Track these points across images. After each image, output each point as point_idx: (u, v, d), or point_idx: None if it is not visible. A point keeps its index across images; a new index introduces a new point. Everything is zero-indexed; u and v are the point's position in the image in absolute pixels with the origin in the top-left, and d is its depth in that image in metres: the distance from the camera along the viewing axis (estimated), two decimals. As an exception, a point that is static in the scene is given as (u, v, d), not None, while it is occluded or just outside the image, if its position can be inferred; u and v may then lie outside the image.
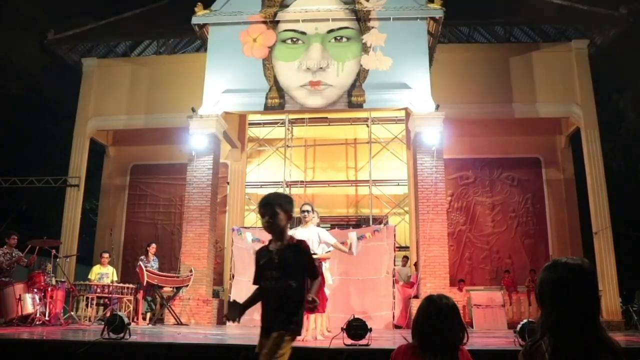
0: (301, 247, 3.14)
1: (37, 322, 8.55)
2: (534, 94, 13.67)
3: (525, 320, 5.98)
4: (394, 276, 11.22)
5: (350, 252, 7.27)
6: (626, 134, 16.11)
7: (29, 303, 8.71)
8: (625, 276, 12.97)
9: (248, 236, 9.67)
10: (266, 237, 9.61)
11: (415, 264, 12.19)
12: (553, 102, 13.66)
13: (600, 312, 1.91)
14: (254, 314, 11.79)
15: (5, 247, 9.21)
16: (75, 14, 17.76)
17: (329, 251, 7.33)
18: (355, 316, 5.74)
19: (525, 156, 14.50)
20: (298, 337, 6.46)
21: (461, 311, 11.68)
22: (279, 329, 3.02)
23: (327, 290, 7.24)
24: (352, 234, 7.55)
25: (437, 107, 11.76)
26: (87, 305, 10.18)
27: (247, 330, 9.77)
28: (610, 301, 12.17)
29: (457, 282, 12.90)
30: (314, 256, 6.54)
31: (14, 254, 9.20)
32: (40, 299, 8.84)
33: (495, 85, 13.76)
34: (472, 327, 11.51)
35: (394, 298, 11.10)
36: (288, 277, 3.02)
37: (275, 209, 3.09)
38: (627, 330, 11.29)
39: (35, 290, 8.91)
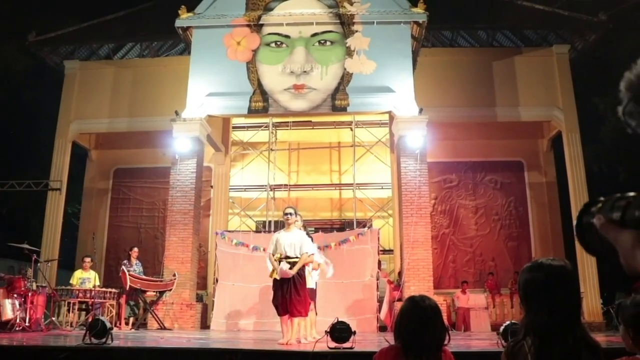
0: None
1: (17, 328, 8.41)
2: (517, 98, 13.81)
3: (508, 322, 6.01)
4: (378, 279, 11.25)
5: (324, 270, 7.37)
6: (606, 137, 16.30)
7: (9, 309, 8.57)
8: (606, 278, 13.11)
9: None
10: (250, 240, 9.65)
11: (399, 273, 12.21)
12: (535, 105, 13.81)
13: (582, 313, 1.94)
14: (241, 318, 11.80)
15: None
16: (58, 15, 17.59)
17: (312, 254, 7.32)
18: (339, 319, 5.73)
19: (507, 159, 14.62)
20: (281, 341, 6.50)
21: (470, 314, 11.74)
22: None
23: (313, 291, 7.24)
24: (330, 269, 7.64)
25: (421, 110, 11.83)
26: (68, 311, 10.06)
27: (231, 334, 9.73)
28: (591, 302, 12.31)
29: (460, 284, 12.96)
30: (294, 259, 6.54)
31: None
32: (20, 305, 8.70)
33: (478, 89, 13.87)
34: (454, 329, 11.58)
35: (378, 301, 11.12)
36: None
37: None
38: (607, 330, 11.42)
39: (15, 295, 8.76)
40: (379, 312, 11.21)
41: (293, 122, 14.96)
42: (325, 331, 5.59)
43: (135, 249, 11.48)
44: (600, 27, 13.95)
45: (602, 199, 1.05)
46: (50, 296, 9.91)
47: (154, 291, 10.89)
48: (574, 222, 1.10)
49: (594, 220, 1.03)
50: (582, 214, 1.08)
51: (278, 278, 6.52)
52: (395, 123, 12.09)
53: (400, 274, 12.04)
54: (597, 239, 1.05)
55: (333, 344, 5.41)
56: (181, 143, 12.07)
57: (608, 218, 0.99)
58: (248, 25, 12.67)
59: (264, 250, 11.02)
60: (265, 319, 10.68)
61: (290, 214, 6.72)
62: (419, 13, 12.31)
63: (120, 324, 10.20)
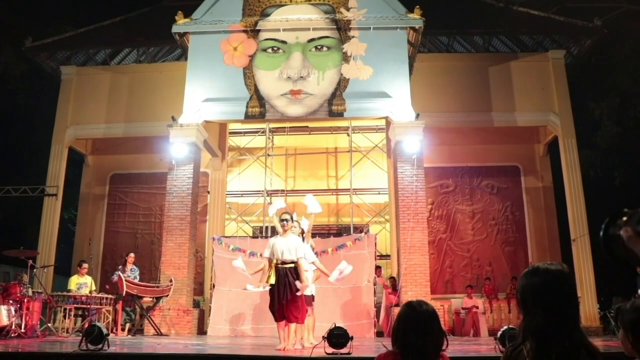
0: None
1: (13, 335, 8.37)
2: (513, 103, 13.85)
3: (505, 327, 6.00)
4: (375, 284, 11.25)
5: (327, 274, 7.30)
6: (602, 142, 16.37)
7: (4, 315, 8.53)
8: (603, 282, 13.12)
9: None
10: (247, 246, 9.66)
11: (395, 278, 12.20)
12: (531, 111, 13.85)
13: (579, 317, 1.93)
14: (238, 324, 11.78)
15: None
16: (54, 21, 17.60)
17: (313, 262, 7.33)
18: (337, 324, 5.72)
19: (504, 164, 14.65)
20: (279, 347, 6.49)
21: (478, 318, 11.66)
22: None
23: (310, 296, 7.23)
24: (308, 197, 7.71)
25: (417, 115, 11.84)
26: (64, 317, 10.01)
27: (228, 340, 9.70)
28: (588, 307, 12.30)
29: (465, 289, 12.91)
30: (290, 264, 6.52)
31: None
32: (16, 311, 8.66)
33: (475, 94, 13.90)
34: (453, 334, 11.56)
35: (375, 307, 11.10)
36: None
37: None
38: (604, 335, 11.42)
39: (10, 301, 8.72)
40: (376, 318, 11.19)
41: (290, 127, 14.98)
42: (323, 337, 5.58)
43: (132, 255, 11.45)
44: (595, 33, 14.03)
45: (627, 210, 1.04)
46: (46, 302, 9.87)
47: (150, 297, 10.85)
48: (600, 233, 1.08)
49: (620, 232, 1.02)
50: (608, 225, 1.07)
51: (274, 283, 6.51)
52: (392, 128, 12.10)
53: (397, 279, 12.02)
54: (623, 249, 1.04)
55: (330, 350, 5.40)
56: (178, 149, 12.05)
57: (636, 231, 0.99)
58: (245, 31, 12.68)
59: (260, 255, 11.00)
60: (262, 324, 10.65)
61: (287, 219, 6.71)
62: (415, 19, 12.35)
63: (116, 330, 10.16)
